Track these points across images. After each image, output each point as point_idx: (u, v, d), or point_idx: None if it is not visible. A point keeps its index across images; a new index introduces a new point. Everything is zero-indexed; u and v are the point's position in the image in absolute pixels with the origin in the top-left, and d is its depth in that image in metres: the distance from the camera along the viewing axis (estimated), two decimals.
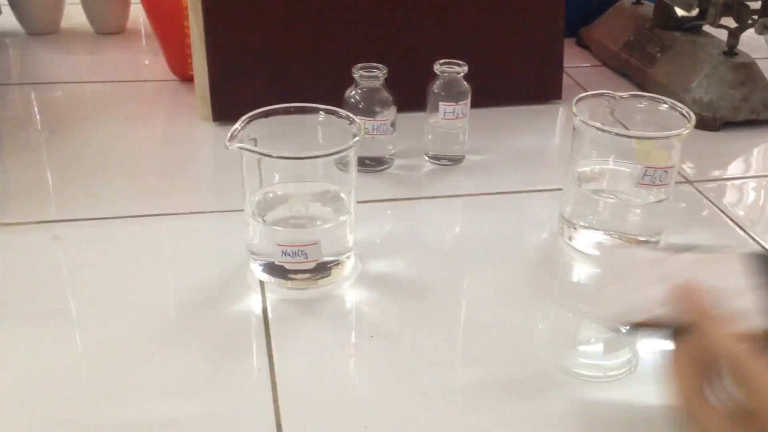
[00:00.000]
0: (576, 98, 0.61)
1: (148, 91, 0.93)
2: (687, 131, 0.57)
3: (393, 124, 0.73)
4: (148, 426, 0.44)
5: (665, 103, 0.61)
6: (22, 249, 0.61)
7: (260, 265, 0.57)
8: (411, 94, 0.75)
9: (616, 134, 0.57)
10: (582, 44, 1.12)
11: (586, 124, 0.58)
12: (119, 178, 0.72)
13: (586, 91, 0.62)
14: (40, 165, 0.74)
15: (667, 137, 0.57)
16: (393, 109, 0.72)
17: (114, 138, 0.81)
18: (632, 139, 0.57)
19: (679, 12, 0.96)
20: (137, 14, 1.11)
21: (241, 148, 0.53)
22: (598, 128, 0.57)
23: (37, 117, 0.85)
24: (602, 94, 0.62)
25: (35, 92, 0.92)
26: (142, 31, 1.13)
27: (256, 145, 0.55)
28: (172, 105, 0.90)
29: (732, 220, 0.69)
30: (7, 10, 1.08)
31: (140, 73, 0.98)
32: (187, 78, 0.92)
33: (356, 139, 0.54)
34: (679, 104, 0.60)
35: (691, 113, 0.59)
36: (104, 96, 0.91)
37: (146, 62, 1.02)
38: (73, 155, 0.76)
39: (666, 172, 0.58)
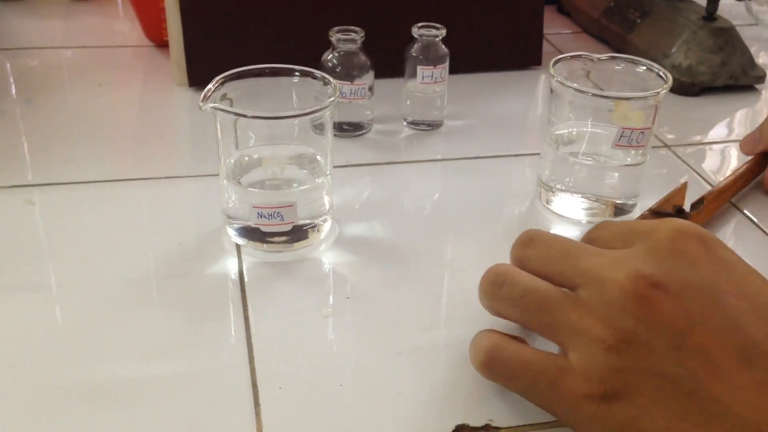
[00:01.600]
0: (553, 60, 0.60)
1: (123, 57, 0.92)
2: (664, 91, 0.57)
3: (371, 89, 0.72)
4: (125, 385, 0.44)
5: (642, 64, 0.61)
6: None
7: (236, 228, 0.56)
8: (389, 59, 0.74)
9: (593, 95, 0.57)
10: (563, 11, 1.11)
11: (564, 85, 0.58)
12: (93, 143, 0.71)
13: (568, 53, 0.62)
14: (13, 130, 0.73)
15: (644, 98, 0.57)
16: (371, 73, 0.71)
17: (88, 103, 0.79)
18: (610, 99, 0.57)
19: None
20: None
21: (214, 108, 0.52)
22: (575, 89, 0.57)
23: (11, 83, 0.84)
24: (580, 56, 0.62)
25: (8, 58, 0.90)
26: None
27: (231, 106, 0.54)
28: (148, 70, 0.88)
29: (710, 184, 0.69)
30: None
31: (115, 39, 0.96)
32: (162, 43, 0.91)
33: (331, 99, 0.53)
34: (656, 65, 0.60)
35: (668, 74, 0.59)
36: (78, 62, 0.90)
37: (121, 28, 1.00)
38: (46, 121, 0.75)
39: (642, 133, 0.58)
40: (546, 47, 0.95)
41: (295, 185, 0.56)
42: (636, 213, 0.63)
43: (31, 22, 1.01)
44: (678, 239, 0.39)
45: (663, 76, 0.59)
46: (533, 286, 0.41)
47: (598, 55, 0.62)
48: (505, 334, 0.43)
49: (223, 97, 0.54)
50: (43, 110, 0.77)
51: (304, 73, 0.57)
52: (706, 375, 0.35)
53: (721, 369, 0.35)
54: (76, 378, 0.45)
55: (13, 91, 0.82)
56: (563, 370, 0.39)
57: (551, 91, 0.61)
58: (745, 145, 0.72)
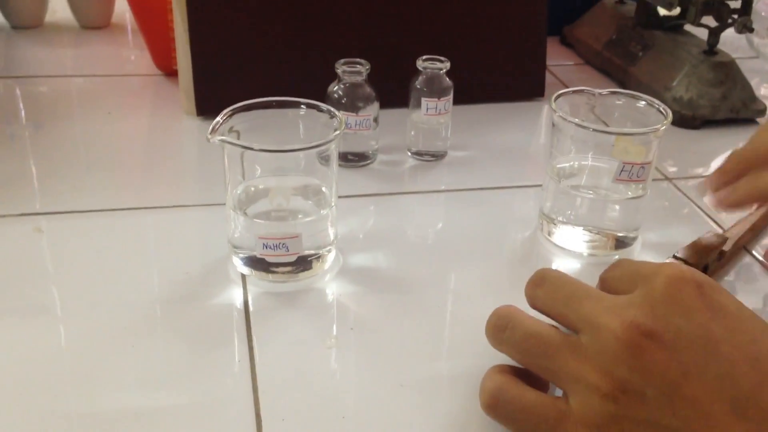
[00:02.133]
0: (555, 95, 0.61)
1: (132, 86, 0.93)
2: (663, 127, 0.58)
3: (376, 120, 0.73)
4: (129, 415, 0.45)
5: (642, 100, 0.62)
6: (3, 241, 0.61)
7: (242, 258, 0.57)
8: (394, 90, 0.75)
9: (594, 130, 0.58)
10: (565, 42, 1.12)
11: (565, 119, 0.59)
12: (101, 171, 0.72)
13: (569, 88, 0.63)
14: (22, 157, 0.74)
15: (644, 133, 0.58)
16: (376, 104, 0.73)
17: (97, 131, 0.81)
18: (611, 135, 0.58)
19: (661, 11, 0.97)
20: (123, 9, 1.11)
21: (222, 140, 0.53)
22: (577, 124, 0.58)
23: (21, 110, 0.85)
24: (582, 91, 0.63)
25: (19, 85, 0.91)
26: (128, 26, 1.13)
27: (238, 138, 0.55)
28: (157, 99, 0.90)
29: (711, 218, 0.70)
30: None
31: (125, 68, 0.98)
32: (171, 73, 0.92)
33: (337, 132, 0.54)
34: (657, 101, 0.61)
35: (668, 110, 0.60)
36: (88, 90, 0.91)
37: (131, 57, 1.02)
38: (55, 148, 0.76)
39: (643, 168, 0.59)
40: (549, 78, 0.97)
41: (300, 216, 0.57)
42: (637, 246, 0.64)
43: (42, 50, 1.02)
44: (674, 285, 0.39)
45: (663, 111, 0.60)
46: (534, 331, 0.42)
47: (599, 90, 0.63)
48: (513, 374, 0.43)
49: (231, 129, 0.56)
50: (52, 138, 0.78)
51: (310, 106, 0.58)
52: (699, 426, 0.35)
53: (714, 420, 0.35)
54: (79, 406, 0.45)
55: (23, 119, 0.83)
56: (563, 415, 0.39)
57: (553, 125, 0.62)
58: (725, 173, 0.58)
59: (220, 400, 0.46)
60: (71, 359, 0.49)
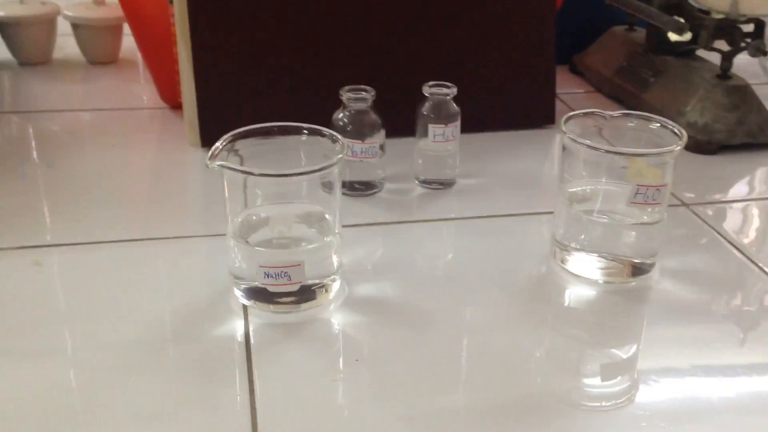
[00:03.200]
0: (565, 117, 0.60)
1: (137, 119, 0.92)
2: (679, 147, 0.56)
3: (382, 147, 0.72)
4: None
5: (656, 121, 0.60)
6: (7, 273, 0.59)
7: (243, 289, 0.55)
8: (402, 120, 0.74)
9: (606, 151, 0.56)
10: (575, 71, 1.11)
11: (576, 141, 0.57)
12: (104, 204, 0.71)
13: (580, 110, 0.61)
14: (26, 191, 0.73)
15: (659, 154, 0.56)
16: (382, 132, 0.71)
17: (101, 164, 0.79)
18: (623, 156, 0.56)
19: (672, 37, 0.95)
20: (132, 45, 1.11)
21: (222, 166, 0.51)
22: (588, 146, 0.56)
23: (29, 145, 0.84)
24: (592, 113, 0.61)
25: (25, 120, 0.91)
26: (139, 62, 1.12)
27: (242, 164, 0.54)
28: (162, 131, 0.89)
29: (731, 243, 0.67)
30: None
31: (131, 101, 0.97)
32: (177, 105, 0.91)
33: (339, 156, 0.52)
34: (670, 122, 0.59)
35: (683, 130, 0.58)
36: (93, 123, 0.90)
37: (137, 91, 1.01)
38: (59, 182, 0.75)
39: (659, 190, 0.57)
40: (559, 106, 0.95)
41: (303, 244, 0.55)
42: (655, 273, 0.61)
43: (50, 85, 1.02)
44: None
45: (678, 132, 0.58)
46: None
47: (611, 112, 0.62)
48: None
49: (234, 151, 0.54)
50: (55, 170, 0.77)
51: (312, 131, 0.57)
52: None
53: None
54: None
55: (34, 153, 0.82)
56: None
57: (563, 148, 0.60)
58: None
59: None
60: (66, 394, 0.47)
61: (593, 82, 1.07)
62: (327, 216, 0.56)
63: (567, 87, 1.05)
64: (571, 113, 0.60)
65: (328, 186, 0.55)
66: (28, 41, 1.07)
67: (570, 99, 1.01)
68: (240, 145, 0.55)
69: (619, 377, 0.51)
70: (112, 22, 1.08)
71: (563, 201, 0.61)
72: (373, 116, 0.70)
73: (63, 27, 1.10)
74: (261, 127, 0.56)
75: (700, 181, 0.79)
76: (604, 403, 0.48)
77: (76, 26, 1.08)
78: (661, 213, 0.59)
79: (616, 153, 0.56)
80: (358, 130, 0.70)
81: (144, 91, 1.01)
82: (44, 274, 0.60)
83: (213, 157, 0.52)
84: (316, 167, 0.51)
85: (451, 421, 0.46)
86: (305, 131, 0.57)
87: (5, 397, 0.47)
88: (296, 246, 0.55)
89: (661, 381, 0.50)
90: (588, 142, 0.56)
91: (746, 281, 0.62)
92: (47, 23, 1.08)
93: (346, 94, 0.70)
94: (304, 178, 0.52)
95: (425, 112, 0.72)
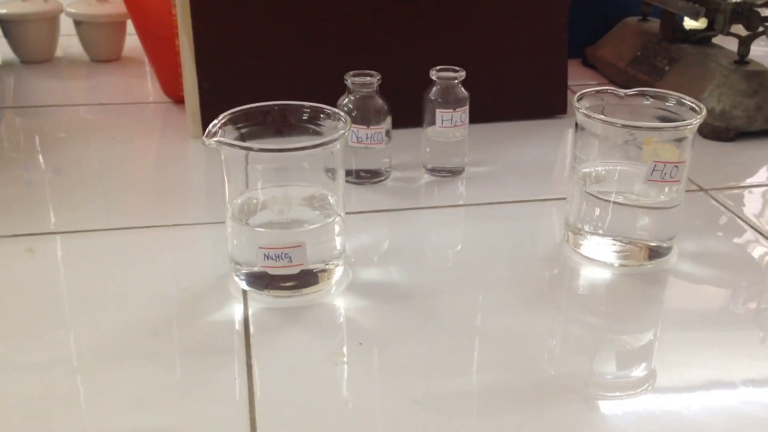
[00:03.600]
0: (578, 94, 0.57)
1: (140, 113, 0.91)
2: (698, 121, 0.53)
3: (388, 134, 0.69)
4: None
5: (672, 98, 0.58)
6: (8, 257, 0.58)
7: (243, 274, 0.53)
8: (410, 110, 0.72)
9: (623, 126, 0.53)
10: (588, 63, 1.09)
11: (590, 117, 0.54)
12: (105, 193, 0.69)
13: (593, 88, 0.58)
14: (29, 182, 0.71)
15: (677, 128, 0.53)
16: (388, 117, 0.69)
17: (102, 156, 0.78)
18: (640, 131, 0.53)
19: (687, 25, 0.93)
20: (136, 43, 1.09)
21: (219, 142, 0.49)
22: (602, 120, 0.54)
23: (32, 139, 0.83)
24: (606, 91, 0.59)
25: (28, 116, 0.89)
26: (144, 59, 1.11)
27: (244, 141, 0.52)
28: (164, 125, 0.87)
29: (751, 226, 0.65)
30: (1, 40, 1.08)
31: (133, 96, 0.96)
32: (179, 100, 0.90)
33: (342, 132, 0.50)
34: (687, 98, 0.57)
35: (701, 105, 0.55)
36: (95, 118, 0.89)
37: (140, 87, 0.99)
38: (61, 173, 0.73)
39: (676, 167, 0.54)
40: (571, 98, 0.92)
41: (305, 225, 0.53)
42: (673, 256, 0.59)
43: (52, 82, 1.00)
44: None
45: (696, 107, 0.55)
46: None
47: (626, 90, 0.59)
48: None
49: (236, 127, 0.52)
50: (57, 161, 0.75)
51: (315, 110, 0.55)
52: None
53: None
54: (74, 429, 0.41)
55: (38, 149, 0.80)
56: None
57: (576, 125, 0.57)
58: None
59: (215, 423, 0.42)
60: (67, 378, 0.45)
61: (606, 74, 1.04)
62: (330, 198, 0.54)
63: (579, 79, 1.03)
64: (584, 91, 0.58)
65: (331, 172, 0.52)
66: (30, 39, 1.06)
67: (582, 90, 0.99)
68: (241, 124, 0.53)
69: (635, 364, 0.48)
70: (115, 19, 1.06)
71: (577, 182, 0.58)
72: (379, 101, 0.68)
73: (66, 25, 1.09)
74: (261, 106, 0.54)
75: (718, 168, 0.76)
76: (618, 392, 0.45)
77: (79, 23, 1.06)
78: (679, 193, 0.56)
79: (631, 127, 0.53)
80: (363, 115, 0.68)
81: (147, 86, 0.99)
82: (42, 260, 0.58)
83: (210, 134, 0.50)
84: (318, 142, 0.49)
85: (458, 406, 0.43)
86: (307, 110, 0.55)
87: (5, 379, 0.45)
88: (298, 227, 0.52)
89: (679, 367, 0.47)
90: (602, 117, 0.54)
91: (767, 265, 0.59)
92: (50, 21, 1.06)
93: (351, 79, 0.68)
94: (304, 154, 0.49)
95: (432, 97, 0.70)
